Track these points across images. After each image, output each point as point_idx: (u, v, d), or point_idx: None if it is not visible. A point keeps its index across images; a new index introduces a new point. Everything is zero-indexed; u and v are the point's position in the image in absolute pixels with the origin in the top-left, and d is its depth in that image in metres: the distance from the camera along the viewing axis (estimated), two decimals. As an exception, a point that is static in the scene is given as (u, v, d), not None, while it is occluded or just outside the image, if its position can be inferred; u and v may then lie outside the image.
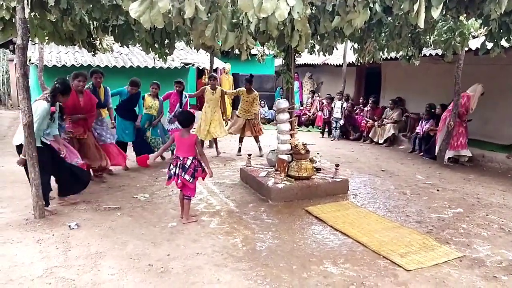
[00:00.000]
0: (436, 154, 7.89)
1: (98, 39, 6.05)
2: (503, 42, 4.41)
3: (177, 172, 4.27)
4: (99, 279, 3.21)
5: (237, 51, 9.81)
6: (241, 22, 2.68)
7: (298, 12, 2.40)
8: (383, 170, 7.18)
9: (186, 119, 4.40)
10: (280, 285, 3.16)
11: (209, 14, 2.50)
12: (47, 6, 3.03)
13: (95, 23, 3.70)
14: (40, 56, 8.55)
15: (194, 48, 5.53)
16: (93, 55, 6.51)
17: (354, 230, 4.29)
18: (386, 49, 5.44)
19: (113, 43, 9.46)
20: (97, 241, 3.90)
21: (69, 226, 4.21)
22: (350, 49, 6.27)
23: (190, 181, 4.26)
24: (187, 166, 4.25)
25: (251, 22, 2.60)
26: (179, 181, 4.27)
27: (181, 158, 4.29)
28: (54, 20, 4.17)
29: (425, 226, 4.51)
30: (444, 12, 3.88)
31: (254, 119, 8.14)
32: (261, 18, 2.29)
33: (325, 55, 5.61)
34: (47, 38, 4.66)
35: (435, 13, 2.56)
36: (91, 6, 3.14)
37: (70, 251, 3.67)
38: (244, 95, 7.98)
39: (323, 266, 3.52)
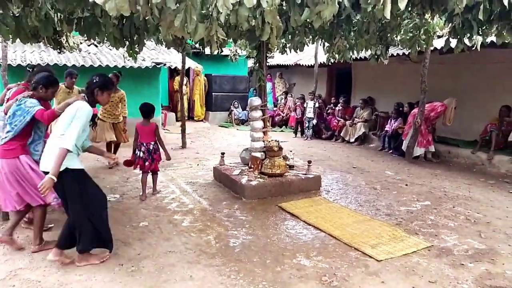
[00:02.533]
0: (404, 150, 8.11)
1: (64, 36, 5.88)
2: (466, 41, 4.59)
3: (142, 156, 5.02)
4: (66, 280, 3.10)
5: (208, 51, 9.76)
6: (210, 13, 2.65)
7: (267, 1, 2.41)
8: (354, 167, 7.30)
9: (147, 110, 5.01)
10: (253, 279, 3.15)
11: (177, 5, 2.47)
12: (8, -4, 2.91)
13: (59, 15, 3.57)
14: (3, 54, 8.17)
15: (165, 45, 5.45)
16: (59, 53, 6.30)
17: (327, 224, 4.33)
18: (355, 48, 5.55)
19: (81, 42, 9.27)
20: (64, 241, 3.76)
21: None
22: (320, 45, 6.34)
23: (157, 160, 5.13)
24: (151, 148, 5.04)
25: (221, 13, 2.59)
26: (146, 163, 5.03)
27: (145, 144, 5.04)
28: (17, 15, 4.01)
29: (394, 218, 4.61)
30: (410, 8, 4.00)
31: (120, 123, 6.96)
32: (230, 8, 2.28)
33: (296, 52, 5.66)
34: (11, 35, 4.47)
35: (402, 5, 2.63)
36: (55, -3, 3.06)
37: (35, 253, 3.52)
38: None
39: (296, 259, 3.53)
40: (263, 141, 5.67)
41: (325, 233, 4.12)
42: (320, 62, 10.85)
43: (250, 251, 3.67)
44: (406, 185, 6.12)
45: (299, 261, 3.51)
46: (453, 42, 4.59)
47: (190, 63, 11.28)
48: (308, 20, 3.10)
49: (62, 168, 3.03)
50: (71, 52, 8.28)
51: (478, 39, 4.76)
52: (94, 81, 3.28)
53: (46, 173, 3.00)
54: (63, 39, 5.90)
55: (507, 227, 4.40)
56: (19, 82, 4.28)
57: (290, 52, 6.01)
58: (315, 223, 4.36)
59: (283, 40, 6.24)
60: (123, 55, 7.07)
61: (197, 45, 7.06)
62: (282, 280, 3.17)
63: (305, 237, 4.07)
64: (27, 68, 4.70)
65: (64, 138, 3.03)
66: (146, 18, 3.37)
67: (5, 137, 3.47)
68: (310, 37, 5.39)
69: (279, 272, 3.29)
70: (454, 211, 4.92)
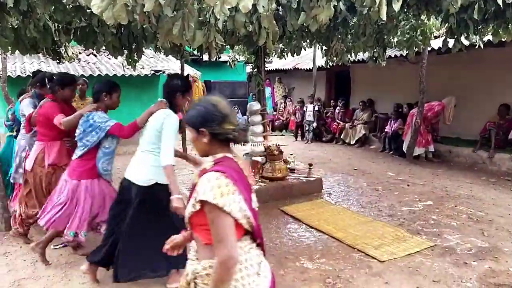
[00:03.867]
0: (405, 151, 8.12)
1: (63, 46, 5.91)
2: (464, 40, 4.60)
3: None
4: (70, 288, 3.11)
5: (206, 57, 9.77)
6: (208, 19, 2.68)
7: (263, 6, 2.44)
8: (355, 169, 7.30)
9: None
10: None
11: (175, 12, 2.49)
12: (6, 8, 2.94)
13: (57, 25, 3.60)
14: (3, 66, 8.25)
15: (163, 53, 5.47)
16: (58, 63, 6.33)
17: (329, 226, 4.33)
18: (353, 50, 5.57)
19: (80, 52, 9.32)
20: (67, 251, 3.77)
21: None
22: (318, 49, 6.36)
23: None
24: None
25: (218, 19, 2.61)
26: None
27: None
28: (16, 27, 4.04)
29: (397, 219, 4.61)
30: (405, 10, 4.02)
31: None
32: (227, 14, 2.30)
33: (293, 56, 5.69)
34: (10, 47, 4.50)
35: (396, 6, 2.65)
36: (53, 8, 3.07)
37: (38, 263, 3.52)
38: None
39: (300, 262, 3.53)
40: (264, 145, 5.68)
41: (328, 235, 4.12)
42: (319, 66, 10.87)
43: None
44: (408, 185, 6.12)
45: (302, 264, 3.51)
46: (451, 42, 4.61)
47: (189, 70, 11.32)
48: (304, 24, 3.13)
49: (150, 183, 2.87)
50: (70, 62, 8.33)
51: (477, 38, 4.78)
52: (176, 83, 3.01)
53: (131, 183, 2.91)
54: (62, 49, 5.93)
55: (509, 225, 4.40)
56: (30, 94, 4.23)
57: (288, 56, 6.03)
58: (318, 225, 4.36)
59: (280, 45, 6.27)
60: (122, 64, 7.10)
61: (195, 52, 7.09)
62: (285, 283, 3.17)
63: (308, 240, 4.07)
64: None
65: (164, 155, 2.77)
66: (144, 26, 3.41)
67: (77, 155, 3.27)
68: (308, 41, 5.41)
69: (283, 276, 3.28)
70: (456, 210, 4.92)
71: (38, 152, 3.65)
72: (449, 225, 4.40)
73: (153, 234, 2.82)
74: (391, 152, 8.85)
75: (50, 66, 8.93)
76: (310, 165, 5.96)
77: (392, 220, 4.57)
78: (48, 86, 3.77)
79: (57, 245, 3.79)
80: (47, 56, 5.72)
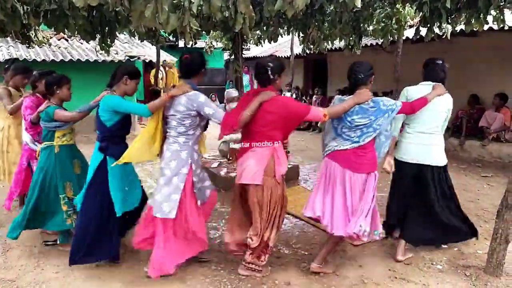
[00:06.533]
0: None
1: (33, 30, 5.69)
2: (436, 29, 4.69)
3: None
4: (43, 278, 3.06)
5: (183, 43, 9.62)
6: (182, 3, 2.62)
7: (239, -10, 2.41)
8: (332, 156, 7.38)
9: None
10: (234, 269, 3.17)
11: (148, -6, 2.43)
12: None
13: (25, 7, 3.45)
14: (-32, 50, 7.90)
15: (138, 38, 5.34)
16: (28, 48, 6.10)
17: (305, 212, 4.38)
18: (329, 38, 5.60)
19: (51, 37, 9.00)
20: (40, 240, 3.68)
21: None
22: (296, 36, 6.36)
23: None
24: None
25: (193, 3, 2.56)
26: None
27: None
28: (-19, 9, 3.86)
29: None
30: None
31: None
32: (202, -2, 2.26)
33: (270, 43, 5.67)
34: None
35: (371, -8, 2.67)
36: (20, -12, 2.95)
37: (9, 252, 3.44)
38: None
39: (276, 247, 3.57)
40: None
41: (304, 221, 4.17)
42: (296, 54, 10.88)
43: (230, 242, 3.69)
44: (381, 171, 6.23)
45: (279, 249, 3.55)
46: (423, 31, 4.69)
47: (165, 56, 11.13)
48: (281, 10, 3.11)
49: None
50: (41, 47, 8.06)
51: (448, 28, 4.88)
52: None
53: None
54: (32, 33, 5.71)
55: (478, 209, 4.56)
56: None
57: (265, 43, 6.01)
58: (294, 211, 4.41)
59: (258, 32, 6.24)
60: (95, 49, 6.90)
61: (171, 38, 6.96)
62: (262, 268, 3.20)
63: (285, 225, 4.11)
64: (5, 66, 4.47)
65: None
66: (117, 9, 3.31)
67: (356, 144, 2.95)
68: (285, 27, 5.41)
69: (259, 261, 3.31)
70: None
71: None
72: (421, 210, 4.53)
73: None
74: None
75: (19, 50, 8.59)
76: (288, 152, 5.99)
77: (366, 206, 4.66)
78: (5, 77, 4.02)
79: (48, 241, 3.65)
80: (16, 40, 5.51)
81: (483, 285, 2.98)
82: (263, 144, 2.88)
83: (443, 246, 3.59)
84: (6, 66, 4.43)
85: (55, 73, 3.57)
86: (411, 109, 3.15)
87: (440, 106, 3.28)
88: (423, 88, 3.33)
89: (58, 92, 3.35)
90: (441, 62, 3.40)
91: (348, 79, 3.18)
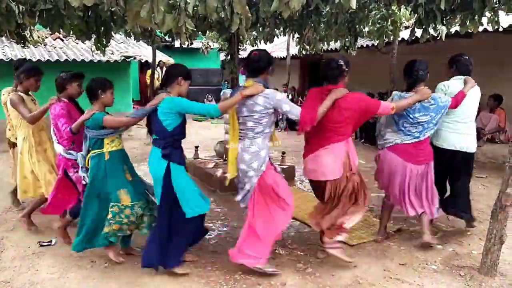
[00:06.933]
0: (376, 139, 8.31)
1: (28, 29, 5.67)
2: (431, 31, 4.72)
3: None
4: (37, 279, 3.04)
5: (179, 44, 9.59)
6: (178, 3, 2.62)
7: (235, -9, 2.41)
8: (328, 157, 7.39)
9: None
10: (229, 270, 3.17)
11: (143, -6, 2.43)
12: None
13: (21, 7, 3.44)
14: (-37, 50, 7.86)
15: (133, 38, 5.33)
16: (23, 47, 6.07)
17: (301, 213, 4.38)
18: (325, 39, 5.62)
19: (46, 37, 8.96)
20: (34, 241, 3.67)
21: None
22: (293, 41, 6.39)
23: None
24: None
25: (189, 3, 2.56)
26: None
27: None
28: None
29: (366, 205, 4.71)
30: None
31: None
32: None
33: (266, 43, 5.68)
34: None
35: (366, -7, 2.68)
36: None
37: (3, 253, 3.42)
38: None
39: (272, 248, 3.56)
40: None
41: (300, 222, 4.18)
42: (292, 54, 10.92)
43: (226, 243, 3.69)
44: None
45: (274, 250, 3.54)
46: (419, 32, 4.72)
47: (161, 56, 11.11)
48: (277, 11, 3.11)
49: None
50: (36, 47, 8.03)
51: (443, 29, 4.91)
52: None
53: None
54: (27, 33, 5.69)
55: (473, 210, 4.57)
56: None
57: (261, 44, 6.01)
58: (290, 212, 4.41)
59: (254, 32, 6.24)
60: (91, 49, 6.88)
61: (167, 38, 6.95)
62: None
63: (280, 226, 4.11)
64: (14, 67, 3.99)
65: None
66: (112, 9, 3.30)
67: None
68: (281, 28, 5.42)
69: (255, 262, 3.31)
70: (423, 196, 5.08)
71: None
72: (416, 211, 4.54)
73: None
74: (362, 141, 9.03)
75: (14, 50, 8.56)
76: (283, 153, 6.01)
77: (362, 206, 4.67)
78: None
79: (43, 242, 3.63)
80: (11, 40, 5.48)
81: (477, 285, 3.00)
82: (338, 140, 3.02)
83: (438, 246, 3.60)
84: (16, 67, 3.96)
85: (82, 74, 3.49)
86: (456, 103, 3.42)
87: (473, 97, 3.56)
88: (457, 83, 3.60)
89: (102, 96, 3.12)
90: (467, 56, 3.73)
91: (407, 76, 3.44)
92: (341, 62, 3.02)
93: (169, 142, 2.91)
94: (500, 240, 3.04)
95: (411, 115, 3.30)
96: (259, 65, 2.96)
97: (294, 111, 2.87)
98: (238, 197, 3.15)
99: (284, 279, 3.06)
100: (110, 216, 3.08)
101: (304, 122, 2.85)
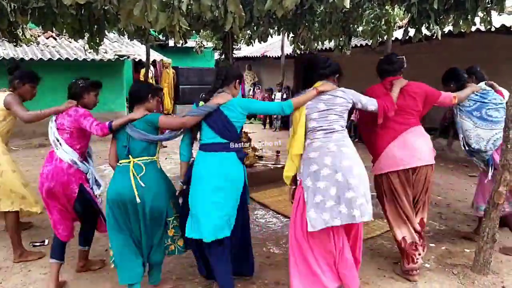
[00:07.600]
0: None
1: (20, 28, 5.62)
2: (425, 30, 4.74)
3: None
4: (30, 280, 3.02)
5: (173, 43, 9.57)
6: (172, 1, 2.61)
7: (229, -11, 2.41)
8: (322, 156, 7.41)
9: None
10: (224, 269, 3.16)
11: (136, -7, 2.41)
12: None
13: (12, 5, 3.40)
14: (-47, 49, 7.77)
15: (127, 36, 5.30)
16: (15, 46, 6.01)
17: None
18: (319, 39, 5.62)
19: (39, 35, 8.88)
20: (27, 241, 3.63)
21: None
22: (287, 40, 6.39)
23: None
24: None
25: (183, 2, 2.55)
26: None
27: None
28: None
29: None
30: (370, -2, 4.10)
31: None
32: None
33: (260, 42, 5.67)
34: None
35: (360, -8, 2.69)
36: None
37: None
38: None
39: (266, 247, 3.58)
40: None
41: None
42: (287, 54, 10.91)
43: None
44: (371, 171, 6.28)
45: (269, 249, 3.55)
46: (412, 32, 4.73)
47: (155, 55, 11.07)
48: (271, 9, 3.11)
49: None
50: (28, 45, 7.95)
51: (438, 29, 4.93)
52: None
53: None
54: (19, 32, 5.63)
55: (466, 209, 4.62)
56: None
57: (255, 43, 6.01)
58: (284, 211, 4.42)
59: (248, 31, 6.23)
60: (84, 48, 6.83)
61: (161, 36, 6.91)
62: (252, 268, 3.20)
63: (275, 225, 4.12)
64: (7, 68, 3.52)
65: None
66: (105, 7, 3.28)
67: None
68: (275, 28, 5.41)
69: (249, 261, 3.31)
70: (416, 195, 5.11)
71: None
72: (410, 209, 4.57)
73: None
74: (356, 140, 9.06)
75: (6, 49, 8.47)
76: (278, 152, 6.01)
77: (356, 205, 4.69)
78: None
79: (36, 242, 3.59)
80: (3, 38, 5.43)
81: (470, 284, 3.02)
82: (416, 123, 3.18)
83: (430, 245, 3.62)
84: (8, 68, 3.51)
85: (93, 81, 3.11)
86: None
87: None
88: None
89: (151, 101, 2.79)
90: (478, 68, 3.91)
91: (454, 80, 3.74)
92: (400, 56, 3.29)
93: (239, 144, 2.74)
94: (493, 239, 3.07)
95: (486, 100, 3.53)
96: (330, 70, 3.05)
97: (371, 102, 2.92)
98: None
99: (278, 278, 3.06)
100: (172, 232, 2.75)
101: (387, 108, 2.92)
